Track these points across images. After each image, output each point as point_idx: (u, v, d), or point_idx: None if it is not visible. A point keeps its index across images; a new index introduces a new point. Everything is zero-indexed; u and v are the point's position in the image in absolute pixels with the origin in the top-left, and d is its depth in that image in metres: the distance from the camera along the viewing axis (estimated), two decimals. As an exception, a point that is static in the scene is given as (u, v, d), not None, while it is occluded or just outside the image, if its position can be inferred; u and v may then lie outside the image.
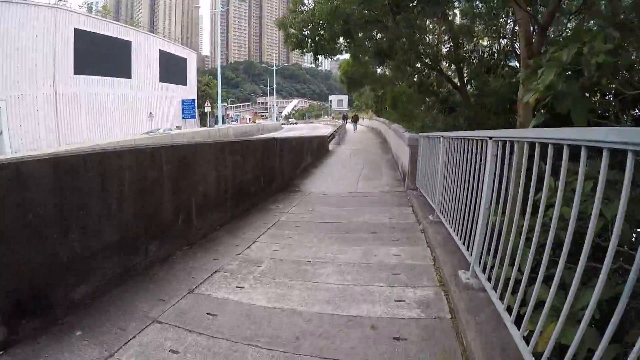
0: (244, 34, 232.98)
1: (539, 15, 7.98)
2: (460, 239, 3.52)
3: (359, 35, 14.06)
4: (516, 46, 11.19)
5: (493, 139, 2.76)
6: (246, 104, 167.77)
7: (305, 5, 14.89)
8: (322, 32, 14.21)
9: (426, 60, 13.97)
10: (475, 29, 13.59)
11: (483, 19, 12.57)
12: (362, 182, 9.96)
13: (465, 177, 3.52)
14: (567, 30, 10.07)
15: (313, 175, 11.30)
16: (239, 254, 4.41)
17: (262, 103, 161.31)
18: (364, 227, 5.56)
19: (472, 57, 14.05)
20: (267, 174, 8.28)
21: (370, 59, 16.80)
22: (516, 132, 2.84)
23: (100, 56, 40.46)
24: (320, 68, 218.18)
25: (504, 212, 2.46)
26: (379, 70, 29.48)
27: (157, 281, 3.58)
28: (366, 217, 6.20)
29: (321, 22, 13.71)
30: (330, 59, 34.66)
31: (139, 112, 47.51)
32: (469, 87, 14.15)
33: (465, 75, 14.13)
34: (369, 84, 32.70)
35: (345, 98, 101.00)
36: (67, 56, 37.26)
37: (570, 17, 9.77)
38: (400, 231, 5.24)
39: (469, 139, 3.49)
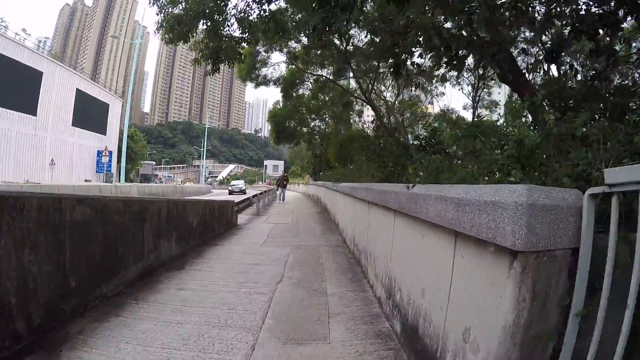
0: (186, 93, 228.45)
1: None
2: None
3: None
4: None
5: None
6: (181, 165, 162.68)
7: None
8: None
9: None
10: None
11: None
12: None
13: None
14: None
15: (122, 327, 3.77)
16: None
17: (197, 166, 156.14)
18: None
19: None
20: None
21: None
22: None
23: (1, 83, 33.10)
24: (259, 135, 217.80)
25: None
26: (316, 122, 24.09)
27: None
28: None
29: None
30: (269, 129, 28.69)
31: (42, 156, 39.58)
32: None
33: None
34: (304, 138, 26.66)
35: (281, 164, 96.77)
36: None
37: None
38: None
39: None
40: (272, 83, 19.20)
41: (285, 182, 25.74)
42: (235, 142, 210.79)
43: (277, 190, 26.38)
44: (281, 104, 23.76)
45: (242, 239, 8.79)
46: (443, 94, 23.32)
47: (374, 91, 18.50)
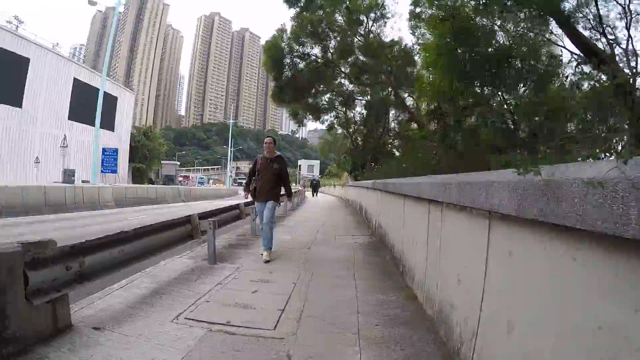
0: (221, 95, 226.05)
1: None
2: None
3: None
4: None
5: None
6: (216, 167, 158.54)
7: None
8: None
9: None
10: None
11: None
12: None
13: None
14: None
15: None
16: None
17: (232, 168, 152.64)
18: None
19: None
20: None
21: None
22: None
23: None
24: (296, 135, 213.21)
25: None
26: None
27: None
28: None
29: None
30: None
31: (29, 153, 34.36)
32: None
33: None
34: (335, 108, 17.23)
35: (316, 163, 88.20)
36: None
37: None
38: None
39: None
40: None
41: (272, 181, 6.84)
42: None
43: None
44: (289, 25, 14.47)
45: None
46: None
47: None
